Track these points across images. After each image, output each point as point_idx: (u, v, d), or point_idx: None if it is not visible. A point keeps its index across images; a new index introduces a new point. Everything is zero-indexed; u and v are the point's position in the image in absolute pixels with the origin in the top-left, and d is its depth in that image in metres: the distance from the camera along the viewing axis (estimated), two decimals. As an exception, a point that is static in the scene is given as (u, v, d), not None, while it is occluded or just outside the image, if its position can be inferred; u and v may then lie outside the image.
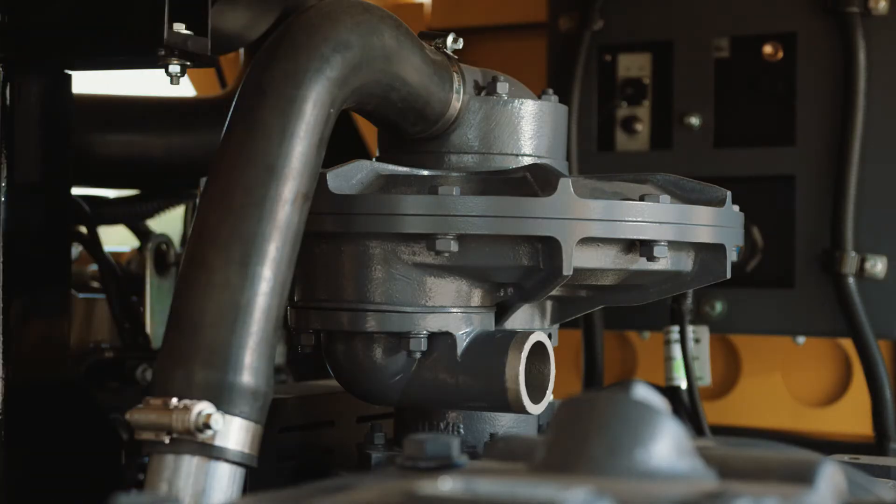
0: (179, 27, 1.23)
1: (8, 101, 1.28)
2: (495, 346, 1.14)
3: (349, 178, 1.16)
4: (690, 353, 1.74)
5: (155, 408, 0.97)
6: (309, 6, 1.09)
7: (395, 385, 1.17)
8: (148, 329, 1.72)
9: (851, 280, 1.69)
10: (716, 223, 1.21)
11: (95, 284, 1.78)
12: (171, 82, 1.27)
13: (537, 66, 1.93)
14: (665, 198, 1.17)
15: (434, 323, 1.15)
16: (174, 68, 1.26)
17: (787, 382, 1.97)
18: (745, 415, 1.97)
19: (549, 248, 1.12)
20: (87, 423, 1.39)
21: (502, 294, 1.19)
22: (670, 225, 1.17)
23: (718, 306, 1.79)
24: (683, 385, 1.75)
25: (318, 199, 1.10)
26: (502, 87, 1.24)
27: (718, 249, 1.22)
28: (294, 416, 1.32)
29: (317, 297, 1.19)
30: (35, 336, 1.33)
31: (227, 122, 1.04)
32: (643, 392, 0.72)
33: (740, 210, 1.27)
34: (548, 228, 1.11)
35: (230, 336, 0.99)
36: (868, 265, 1.69)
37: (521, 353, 1.13)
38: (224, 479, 0.98)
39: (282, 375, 1.83)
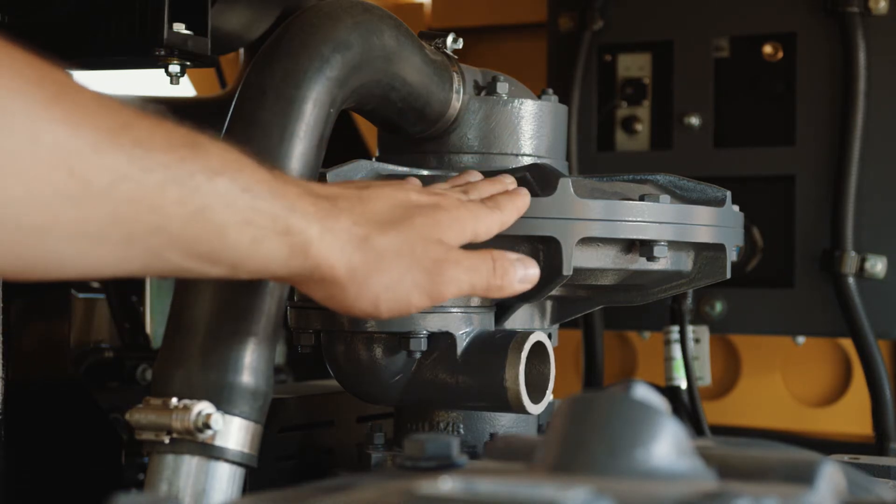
0: (179, 27, 1.23)
1: (8, 101, 1.28)
2: (495, 345, 1.14)
3: (349, 178, 1.16)
4: (690, 353, 1.74)
5: (155, 408, 0.98)
6: (309, 6, 1.09)
7: (395, 385, 1.17)
8: (148, 329, 1.72)
9: (851, 280, 1.69)
10: (716, 223, 1.21)
11: (95, 284, 1.78)
12: (171, 82, 1.27)
13: (537, 66, 1.93)
14: (665, 198, 1.17)
15: (434, 323, 1.15)
16: (174, 68, 1.26)
17: (787, 382, 1.97)
18: (745, 415, 1.97)
19: (549, 248, 1.12)
20: (87, 423, 1.39)
21: (502, 294, 1.19)
22: (670, 225, 1.17)
23: (718, 306, 1.79)
24: (683, 385, 1.75)
25: (318, 199, 1.09)
26: (502, 87, 1.24)
27: (718, 249, 1.22)
28: (294, 416, 1.32)
29: (317, 297, 1.19)
30: (35, 336, 1.33)
31: (226, 122, 1.04)
32: (643, 392, 0.72)
33: (740, 210, 1.27)
34: (547, 228, 1.11)
35: (230, 336, 0.99)
36: (868, 265, 1.69)
37: (520, 352, 1.13)
38: (224, 479, 0.98)
39: (282, 375, 1.83)
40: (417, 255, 0.95)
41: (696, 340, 1.79)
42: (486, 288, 1.00)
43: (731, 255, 1.23)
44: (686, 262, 1.22)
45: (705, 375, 1.80)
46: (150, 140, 0.82)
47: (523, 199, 1.11)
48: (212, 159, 0.85)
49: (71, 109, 0.79)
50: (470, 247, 1.02)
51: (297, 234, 0.89)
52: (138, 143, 0.81)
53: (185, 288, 1.01)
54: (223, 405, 0.97)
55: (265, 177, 0.89)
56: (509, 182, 1.15)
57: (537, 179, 1.17)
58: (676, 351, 1.75)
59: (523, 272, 1.03)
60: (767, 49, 1.78)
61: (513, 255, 1.03)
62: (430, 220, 0.98)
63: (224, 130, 1.04)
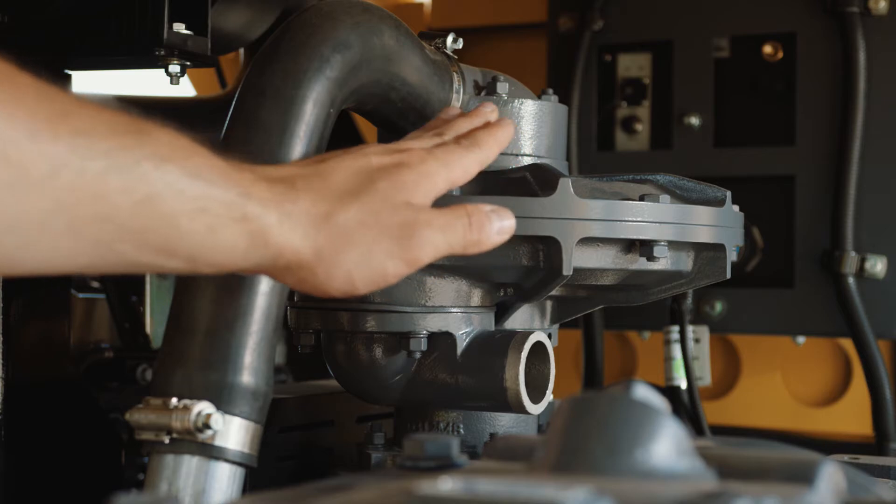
0: (179, 27, 1.23)
1: (8, 101, 1.28)
2: (495, 346, 1.15)
3: (349, 178, 1.16)
4: (690, 353, 1.74)
5: (155, 408, 0.98)
6: (309, 6, 1.09)
7: (395, 385, 1.17)
8: (148, 329, 1.72)
9: (851, 280, 1.69)
10: (716, 223, 1.21)
11: (95, 284, 1.78)
12: (171, 82, 1.27)
13: (537, 66, 1.93)
14: (665, 198, 1.17)
15: (434, 323, 1.15)
16: (174, 68, 1.26)
17: (787, 382, 1.97)
18: (745, 415, 1.97)
19: (549, 247, 1.12)
20: (87, 423, 1.39)
21: (502, 294, 1.19)
22: (670, 225, 1.17)
23: (718, 306, 1.79)
24: (683, 385, 1.75)
25: (318, 199, 1.09)
26: (502, 87, 1.24)
27: (718, 249, 1.22)
28: (294, 416, 1.32)
29: (317, 297, 1.19)
30: (35, 336, 1.33)
31: (226, 123, 1.04)
32: (643, 392, 0.72)
33: (740, 210, 1.27)
34: (547, 228, 1.11)
35: (230, 336, 0.99)
36: (868, 265, 1.69)
37: (520, 353, 1.13)
38: (224, 478, 0.98)
39: (282, 375, 1.83)
40: (384, 223, 0.91)
41: (696, 340, 1.79)
42: (463, 245, 0.96)
43: (731, 255, 1.23)
44: (686, 262, 1.22)
45: (705, 375, 1.80)
46: (92, 128, 0.79)
47: (504, 131, 1.05)
48: (159, 146, 0.82)
49: (5, 97, 0.77)
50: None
51: (254, 220, 0.85)
52: (78, 132, 0.78)
53: (185, 288, 1.01)
54: (223, 405, 0.97)
55: (217, 163, 0.85)
56: (489, 111, 1.11)
57: (537, 179, 1.17)
58: (676, 351, 1.75)
59: (499, 223, 0.99)
60: (767, 49, 1.79)
61: (487, 207, 0.98)
62: (393, 182, 0.93)
63: (224, 130, 1.04)
